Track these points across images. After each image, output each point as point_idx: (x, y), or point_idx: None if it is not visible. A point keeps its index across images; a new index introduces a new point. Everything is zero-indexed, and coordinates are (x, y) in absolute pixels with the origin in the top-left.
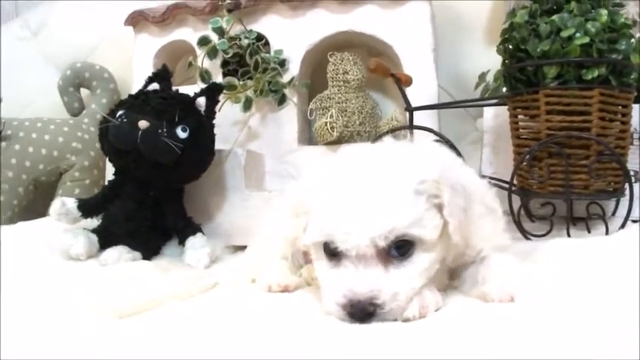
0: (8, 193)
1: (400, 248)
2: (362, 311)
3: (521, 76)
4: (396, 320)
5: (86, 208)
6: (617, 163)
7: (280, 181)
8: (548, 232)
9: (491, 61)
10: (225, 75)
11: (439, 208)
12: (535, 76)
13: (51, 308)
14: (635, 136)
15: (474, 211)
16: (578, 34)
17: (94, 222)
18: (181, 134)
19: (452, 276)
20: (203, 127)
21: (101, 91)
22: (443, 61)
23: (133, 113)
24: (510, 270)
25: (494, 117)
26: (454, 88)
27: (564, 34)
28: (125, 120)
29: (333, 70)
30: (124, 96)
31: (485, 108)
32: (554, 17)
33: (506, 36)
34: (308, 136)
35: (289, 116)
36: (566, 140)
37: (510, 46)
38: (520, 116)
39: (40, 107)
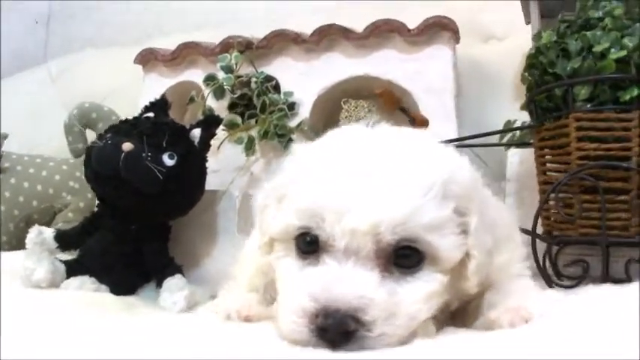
0: None
1: (406, 258)
2: (338, 326)
3: (549, 103)
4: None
5: (64, 240)
6: None
7: None
8: (578, 283)
9: (519, 116)
10: None
11: (463, 230)
12: (564, 101)
13: None
14: None
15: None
16: (613, 50)
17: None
18: (168, 161)
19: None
20: (193, 157)
21: None
22: (466, 113)
23: (119, 136)
24: (524, 292)
25: (519, 163)
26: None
27: (597, 49)
28: (110, 142)
29: (346, 117)
30: None
31: (509, 154)
32: (587, 33)
33: (532, 61)
34: None
35: None
36: (602, 172)
37: (537, 72)
38: (547, 149)
39: (50, 149)
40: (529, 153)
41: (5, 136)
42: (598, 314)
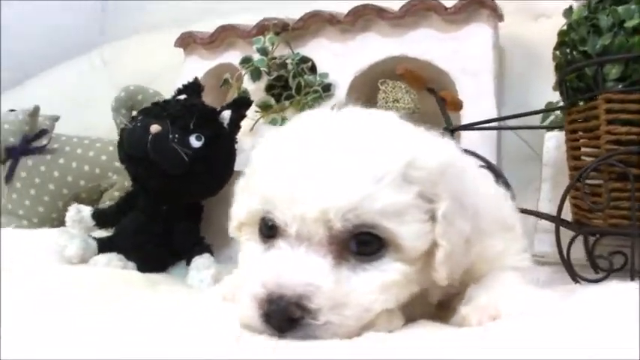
0: (48, 205)
1: (365, 245)
2: (282, 313)
3: (579, 83)
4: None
5: (101, 218)
6: None
7: None
8: (605, 277)
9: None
10: None
11: (432, 217)
12: (595, 81)
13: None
14: None
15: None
16: None
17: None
18: (195, 143)
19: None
20: (221, 139)
21: None
22: (510, 94)
23: (149, 118)
24: (503, 287)
25: (555, 148)
26: (520, 122)
27: (629, 24)
28: (139, 124)
29: (384, 98)
30: None
31: (546, 137)
32: (618, 7)
33: (564, 39)
34: None
35: None
36: (633, 158)
37: (567, 50)
38: (580, 132)
39: (100, 130)
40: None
41: (56, 119)
42: (582, 315)
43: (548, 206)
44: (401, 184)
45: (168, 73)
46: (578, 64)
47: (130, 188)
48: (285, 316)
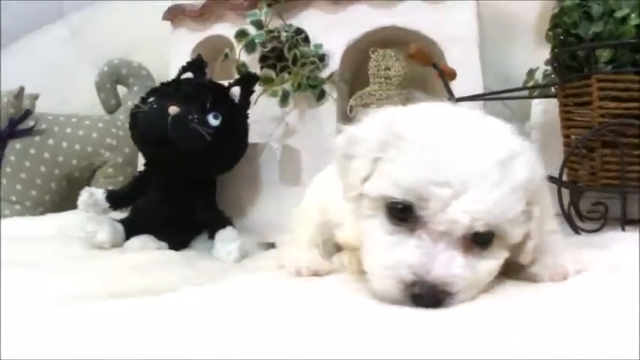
0: (41, 188)
1: (483, 237)
2: (432, 297)
3: (571, 62)
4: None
5: (115, 200)
6: None
7: None
8: (600, 228)
9: (539, 61)
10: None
11: (527, 215)
12: (587, 62)
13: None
14: None
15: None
16: (633, 15)
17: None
18: (213, 122)
19: None
20: (236, 115)
21: (138, 88)
22: (489, 61)
23: (164, 100)
24: (561, 249)
25: (543, 112)
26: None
27: (618, 14)
28: (155, 106)
29: (375, 66)
30: None
31: (533, 103)
32: None
33: (557, 21)
34: None
35: (328, 112)
36: (621, 128)
37: (560, 32)
38: (570, 106)
39: (77, 105)
40: (553, 103)
41: (36, 97)
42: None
43: None
44: (523, 196)
45: (145, 44)
46: (572, 48)
47: (122, 163)
48: (434, 300)
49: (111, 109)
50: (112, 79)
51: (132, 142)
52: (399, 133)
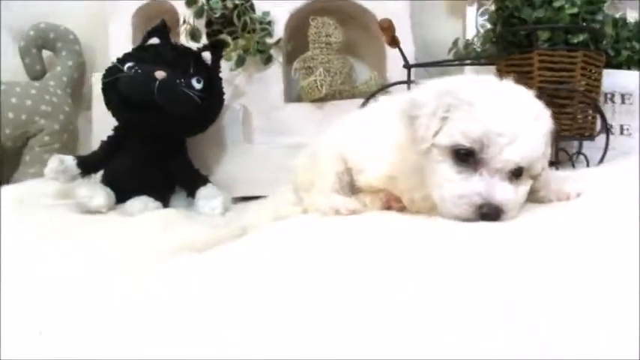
0: None
1: (518, 170)
2: (496, 215)
3: (513, 39)
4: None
5: (86, 165)
6: (594, 109)
7: (267, 136)
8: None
9: (454, 32)
10: (209, 35)
11: (544, 153)
12: (527, 40)
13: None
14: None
15: None
16: (567, 5)
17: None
18: (197, 85)
19: None
20: (214, 79)
21: (67, 52)
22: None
23: (145, 65)
24: (559, 178)
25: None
26: (424, 56)
27: (556, 4)
28: (139, 71)
29: (316, 32)
30: (90, 57)
31: (466, 68)
32: None
33: (500, 5)
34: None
35: (275, 75)
36: (555, 92)
37: (503, 13)
38: (513, 75)
39: None
40: (482, 68)
41: None
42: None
43: None
44: (548, 142)
45: (69, 9)
46: (519, 28)
47: (59, 130)
48: (496, 217)
49: (35, 75)
50: (38, 43)
51: (66, 109)
52: (463, 98)
